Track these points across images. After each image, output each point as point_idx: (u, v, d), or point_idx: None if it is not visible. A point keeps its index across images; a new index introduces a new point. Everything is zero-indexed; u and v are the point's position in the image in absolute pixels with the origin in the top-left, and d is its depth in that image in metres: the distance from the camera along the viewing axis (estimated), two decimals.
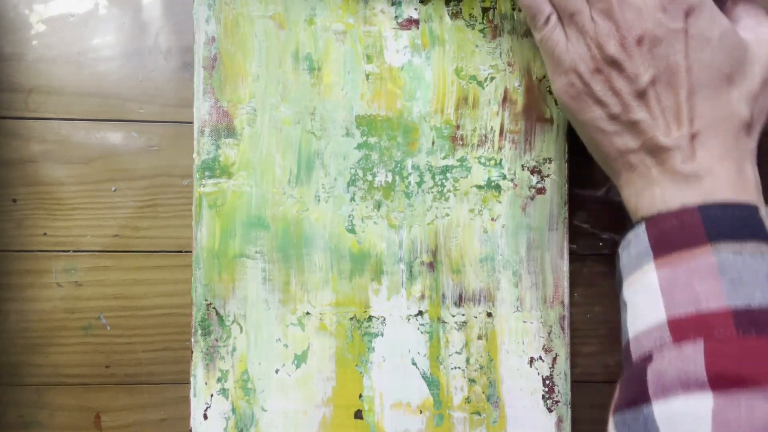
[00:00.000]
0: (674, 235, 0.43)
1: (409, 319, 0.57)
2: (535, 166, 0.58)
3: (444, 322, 0.57)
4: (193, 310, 0.56)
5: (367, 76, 0.57)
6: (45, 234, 0.58)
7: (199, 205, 0.56)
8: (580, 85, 0.48)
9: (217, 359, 0.56)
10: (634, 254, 0.45)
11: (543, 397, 0.57)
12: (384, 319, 0.57)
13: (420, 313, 0.57)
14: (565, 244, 0.58)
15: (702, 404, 0.38)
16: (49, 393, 0.57)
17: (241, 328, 0.56)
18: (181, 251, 0.58)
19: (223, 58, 0.56)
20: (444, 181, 0.57)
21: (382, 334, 0.57)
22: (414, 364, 0.57)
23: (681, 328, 0.41)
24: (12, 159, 0.57)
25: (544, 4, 0.49)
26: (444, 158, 0.57)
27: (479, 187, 0.57)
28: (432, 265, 0.57)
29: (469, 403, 0.57)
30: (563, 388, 0.57)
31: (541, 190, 0.58)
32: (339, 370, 0.56)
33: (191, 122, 0.57)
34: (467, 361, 0.57)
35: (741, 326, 0.39)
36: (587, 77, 0.47)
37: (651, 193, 0.46)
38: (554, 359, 0.57)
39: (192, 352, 0.56)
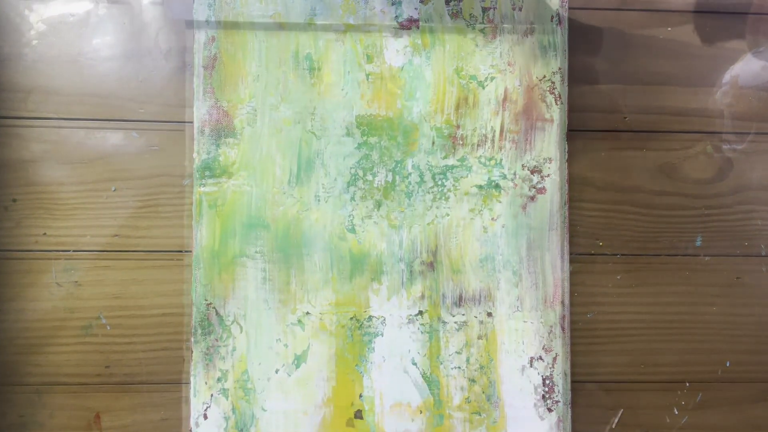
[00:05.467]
0: None
1: (409, 319, 0.57)
2: (535, 166, 0.58)
3: (444, 322, 0.57)
4: (192, 310, 0.56)
5: (367, 76, 0.57)
6: (45, 234, 0.58)
7: (199, 205, 0.56)
8: None
9: (217, 359, 0.56)
10: None
11: (543, 397, 0.57)
12: (384, 319, 0.57)
13: (420, 313, 0.57)
14: (566, 244, 0.58)
15: None
16: (49, 393, 0.57)
17: (240, 328, 0.56)
18: (181, 251, 0.58)
19: (223, 58, 0.56)
20: (444, 180, 0.57)
21: (382, 334, 0.57)
22: (414, 364, 0.57)
23: None
24: (12, 159, 0.57)
25: None
26: (444, 158, 0.57)
27: (479, 186, 0.57)
28: (432, 265, 0.57)
29: (469, 403, 0.57)
30: (563, 388, 0.57)
31: (541, 190, 0.58)
32: (339, 370, 0.56)
33: (191, 122, 0.57)
34: (467, 361, 0.57)
35: None
36: None
37: None
38: (554, 359, 0.57)
39: (192, 352, 0.56)
